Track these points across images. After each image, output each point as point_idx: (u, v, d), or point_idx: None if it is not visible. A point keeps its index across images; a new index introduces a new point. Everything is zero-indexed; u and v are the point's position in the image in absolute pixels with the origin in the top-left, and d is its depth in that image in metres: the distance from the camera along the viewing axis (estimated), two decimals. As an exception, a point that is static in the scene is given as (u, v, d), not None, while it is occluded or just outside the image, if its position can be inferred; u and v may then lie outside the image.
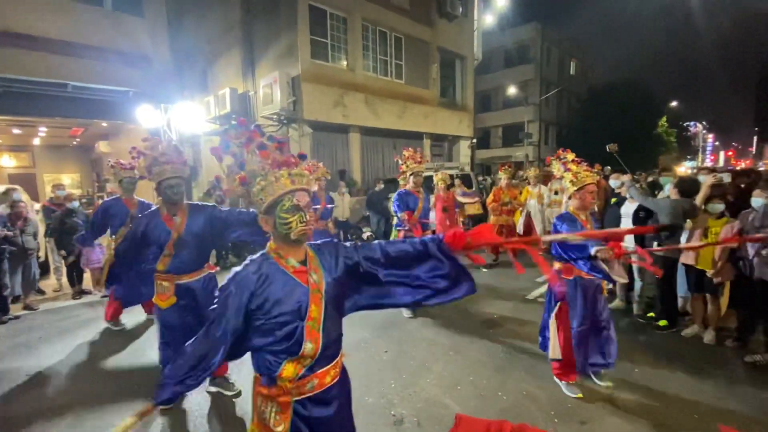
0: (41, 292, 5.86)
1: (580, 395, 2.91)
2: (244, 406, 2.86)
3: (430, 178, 7.85)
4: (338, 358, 1.41)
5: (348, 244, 1.48)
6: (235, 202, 6.10)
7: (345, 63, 10.72)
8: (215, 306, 1.30)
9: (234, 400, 2.95)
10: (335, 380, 1.39)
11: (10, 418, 2.85)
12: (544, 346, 3.15)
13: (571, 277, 2.89)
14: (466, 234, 1.37)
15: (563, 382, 3.01)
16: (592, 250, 2.51)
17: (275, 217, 1.29)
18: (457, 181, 8.61)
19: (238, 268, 1.31)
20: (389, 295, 1.46)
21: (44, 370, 3.56)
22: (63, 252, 5.51)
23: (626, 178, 4.48)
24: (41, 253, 5.99)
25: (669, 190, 4.09)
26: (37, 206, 6.43)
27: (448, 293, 1.44)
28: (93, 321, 4.72)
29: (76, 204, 5.69)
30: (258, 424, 1.33)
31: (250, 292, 1.26)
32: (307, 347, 1.27)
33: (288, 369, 1.27)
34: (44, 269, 6.21)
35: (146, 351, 3.78)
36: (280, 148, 1.34)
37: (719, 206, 3.65)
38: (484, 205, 11.14)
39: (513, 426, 1.09)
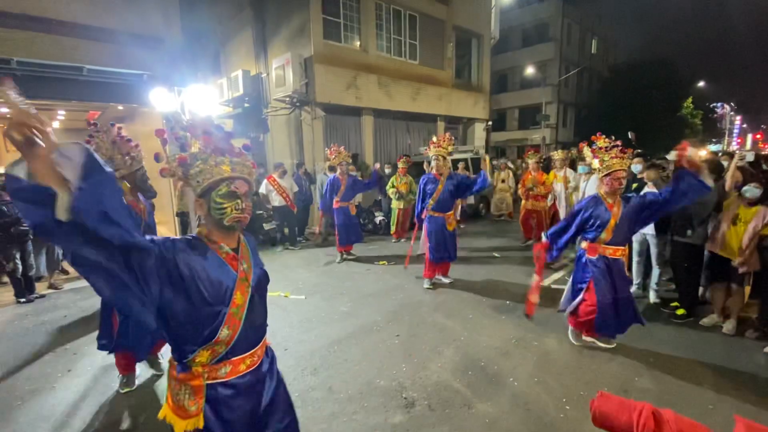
0: (65, 272, 6.07)
1: (578, 344, 3.36)
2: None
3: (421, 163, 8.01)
4: (257, 347, 1.42)
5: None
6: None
7: (358, 43, 10.49)
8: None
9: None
10: (251, 368, 1.40)
11: (36, 390, 3.00)
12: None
13: (596, 256, 3.13)
14: None
15: (576, 330, 3.39)
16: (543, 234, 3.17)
17: (210, 201, 1.30)
18: (461, 165, 8.52)
19: (174, 237, 1.30)
20: None
21: (68, 346, 3.72)
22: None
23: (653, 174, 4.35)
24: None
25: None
26: (58, 189, 6.59)
27: None
28: (114, 300, 4.87)
29: (95, 186, 5.80)
30: (172, 406, 1.35)
31: (182, 256, 1.22)
32: (223, 333, 1.28)
33: (202, 355, 1.29)
34: (67, 250, 6.41)
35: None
36: (224, 138, 1.35)
37: (757, 190, 3.41)
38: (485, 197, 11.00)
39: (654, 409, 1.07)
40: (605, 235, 3.05)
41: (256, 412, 1.42)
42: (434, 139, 4.88)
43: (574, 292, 3.31)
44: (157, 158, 1.48)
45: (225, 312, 1.29)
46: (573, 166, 7.58)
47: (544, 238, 3.25)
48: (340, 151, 6.06)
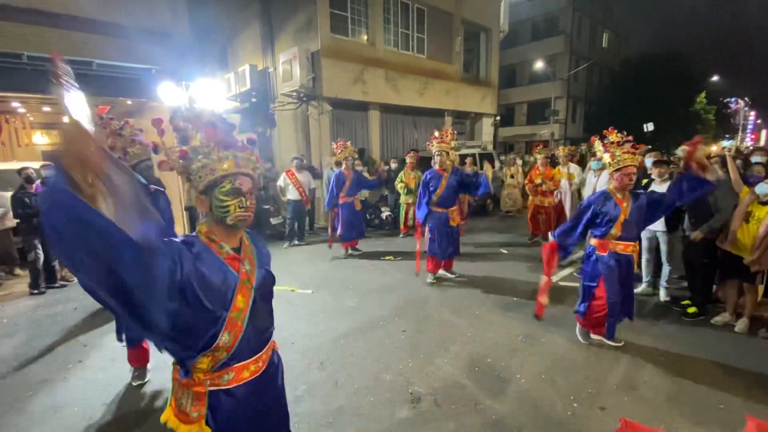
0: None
1: (586, 343, 3.32)
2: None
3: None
4: (261, 353, 1.35)
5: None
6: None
7: (365, 37, 10.42)
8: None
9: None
10: (255, 374, 1.33)
11: (48, 380, 3.05)
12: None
13: (606, 252, 3.09)
14: None
15: (584, 330, 3.35)
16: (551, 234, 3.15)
17: (212, 198, 1.23)
18: (468, 160, 8.47)
19: (176, 240, 1.23)
20: None
21: (79, 338, 3.77)
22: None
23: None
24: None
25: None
26: (69, 182, 6.68)
27: None
28: (123, 293, 4.94)
29: (104, 180, 5.88)
30: (175, 409, 1.30)
31: (186, 263, 1.14)
32: (224, 339, 1.21)
33: (203, 361, 1.22)
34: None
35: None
36: (227, 130, 1.29)
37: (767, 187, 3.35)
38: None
39: None
40: (615, 231, 3.02)
41: (261, 420, 1.37)
42: (436, 134, 4.80)
43: (585, 291, 3.27)
44: (155, 150, 1.40)
45: (225, 316, 1.21)
46: (582, 162, 7.54)
47: (551, 238, 3.21)
48: (347, 146, 6.08)
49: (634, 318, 3.36)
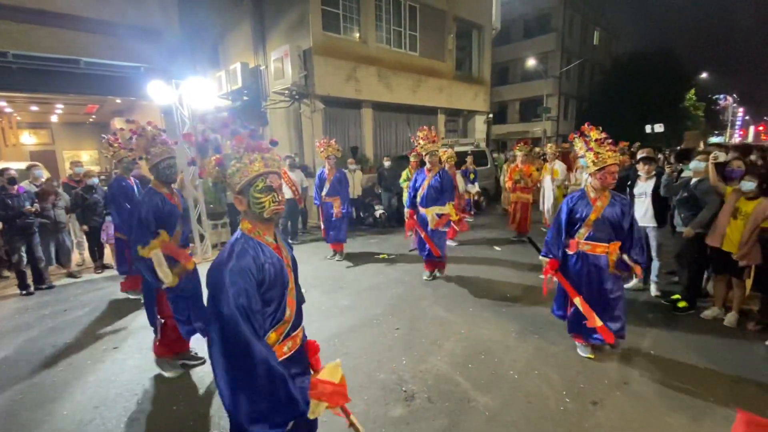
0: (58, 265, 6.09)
1: (591, 356, 3.11)
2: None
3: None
4: (303, 323, 1.63)
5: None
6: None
7: (357, 35, 10.38)
8: (228, 305, 1.27)
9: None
10: (301, 343, 1.60)
11: (37, 383, 3.00)
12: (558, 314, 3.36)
13: (573, 252, 3.06)
14: (321, 383, 1.50)
15: (577, 342, 3.21)
16: (541, 256, 3.20)
17: (249, 197, 1.41)
18: (469, 158, 8.48)
19: (232, 261, 1.33)
20: None
21: (69, 340, 3.72)
22: (85, 227, 5.67)
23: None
24: (63, 229, 6.17)
25: (707, 168, 3.83)
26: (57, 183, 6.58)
27: None
28: (114, 294, 4.88)
29: (95, 180, 5.79)
30: None
31: (255, 277, 1.34)
32: (287, 313, 1.48)
33: (271, 337, 1.44)
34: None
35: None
36: (252, 135, 1.46)
37: (751, 183, 3.41)
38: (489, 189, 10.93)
39: None
40: (584, 230, 2.97)
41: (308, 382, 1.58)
42: (420, 134, 4.66)
43: (558, 289, 3.24)
44: (193, 162, 1.67)
45: (286, 294, 1.47)
46: (566, 159, 7.66)
47: (543, 257, 3.17)
48: (330, 144, 5.92)
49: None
